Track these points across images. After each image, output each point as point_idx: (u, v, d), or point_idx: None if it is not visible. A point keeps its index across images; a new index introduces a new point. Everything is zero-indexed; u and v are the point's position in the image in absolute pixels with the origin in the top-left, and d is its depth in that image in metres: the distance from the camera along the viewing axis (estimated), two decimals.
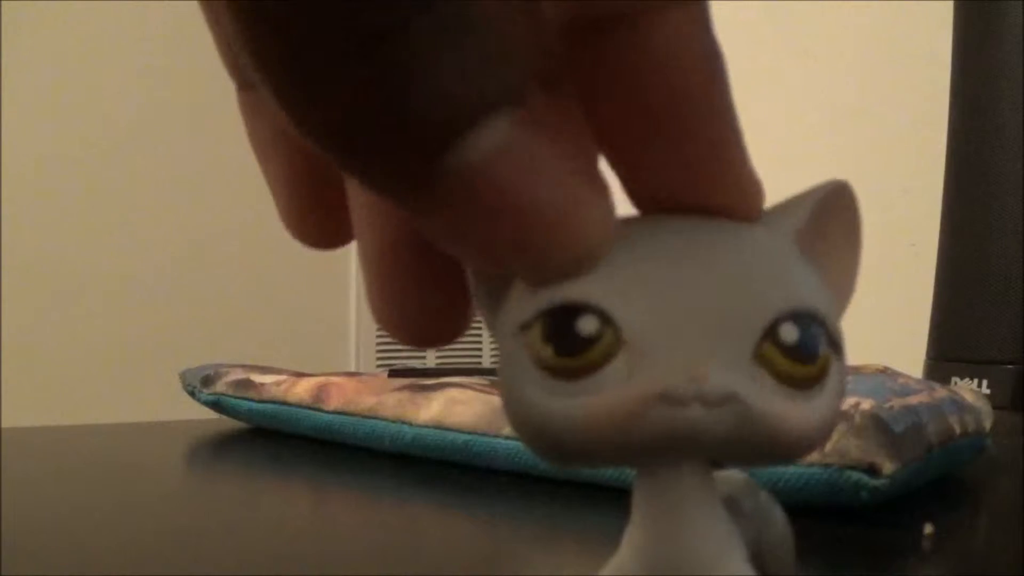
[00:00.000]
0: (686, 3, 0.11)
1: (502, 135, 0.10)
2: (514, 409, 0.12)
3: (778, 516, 0.16)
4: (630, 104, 0.12)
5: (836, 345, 0.13)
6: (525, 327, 0.12)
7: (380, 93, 0.09)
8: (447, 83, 0.10)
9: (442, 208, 0.10)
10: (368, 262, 0.14)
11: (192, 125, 1.94)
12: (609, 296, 0.12)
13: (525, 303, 0.12)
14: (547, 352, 0.12)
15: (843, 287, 0.14)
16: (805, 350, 0.12)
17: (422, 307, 0.14)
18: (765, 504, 0.16)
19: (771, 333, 0.12)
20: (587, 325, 0.12)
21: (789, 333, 0.12)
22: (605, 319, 0.12)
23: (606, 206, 0.11)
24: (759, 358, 0.12)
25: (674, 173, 0.12)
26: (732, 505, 0.14)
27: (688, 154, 0.12)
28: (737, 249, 0.13)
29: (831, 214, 0.14)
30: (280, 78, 0.09)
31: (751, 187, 0.13)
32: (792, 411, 0.12)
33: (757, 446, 0.12)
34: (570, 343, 0.12)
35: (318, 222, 0.15)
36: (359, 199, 0.14)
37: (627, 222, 0.13)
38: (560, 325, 0.12)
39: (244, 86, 0.15)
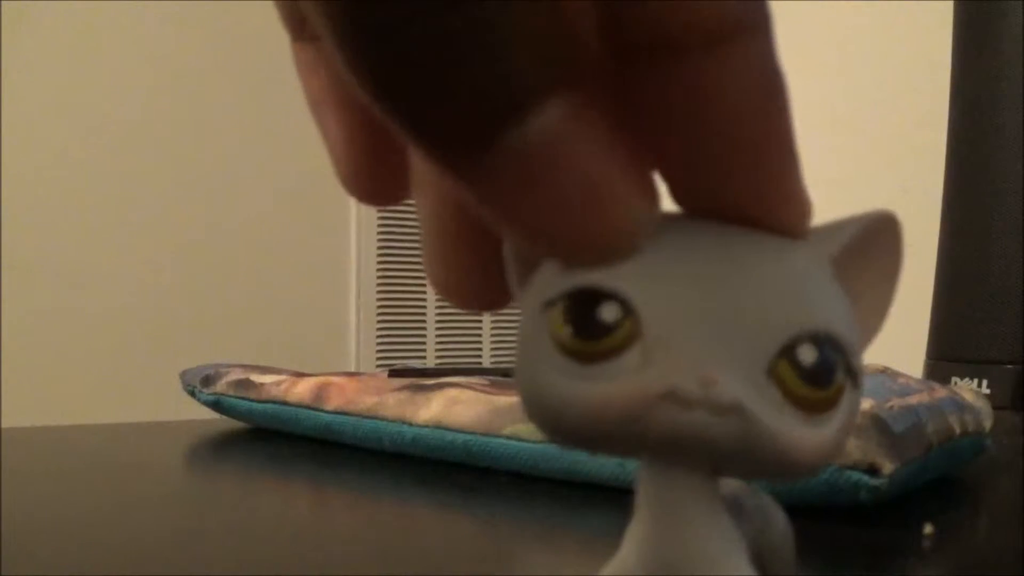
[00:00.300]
0: (758, 31, 0.11)
1: (561, 117, 0.10)
2: (526, 385, 0.12)
3: (778, 516, 0.16)
4: (694, 124, 0.12)
5: (854, 376, 0.12)
6: (549, 304, 0.12)
7: (452, 51, 0.10)
8: (514, 56, 0.10)
9: (491, 179, 0.11)
10: (426, 220, 0.14)
11: (193, 125, 1.95)
12: (635, 287, 0.12)
13: (552, 281, 0.12)
14: (565, 333, 0.12)
15: (872, 319, 0.13)
16: (820, 374, 0.12)
17: (477, 270, 0.14)
18: (766, 504, 0.16)
19: (788, 351, 0.12)
20: (608, 312, 0.12)
21: (807, 354, 0.12)
22: (627, 309, 0.12)
23: (644, 205, 0.12)
24: (772, 374, 0.12)
25: (727, 189, 0.12)
26: (734, 505, 0.14)
27: (745, 173, 0.12)
28: (771, 262, 0.12)
29: (872, 244, 0.13)
30: (348, 33, 0.10)
31: (800, 206, 0.13)
32: (796, 434, 0.12)
33: (755, 462, 0.12)
34: (589, 327, 0.12)
35: (374, 177, 0.15)
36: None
37: (670, 218, 0.12)
38: (582, 308, 0.12)
39: (299, 38, 0.15)
